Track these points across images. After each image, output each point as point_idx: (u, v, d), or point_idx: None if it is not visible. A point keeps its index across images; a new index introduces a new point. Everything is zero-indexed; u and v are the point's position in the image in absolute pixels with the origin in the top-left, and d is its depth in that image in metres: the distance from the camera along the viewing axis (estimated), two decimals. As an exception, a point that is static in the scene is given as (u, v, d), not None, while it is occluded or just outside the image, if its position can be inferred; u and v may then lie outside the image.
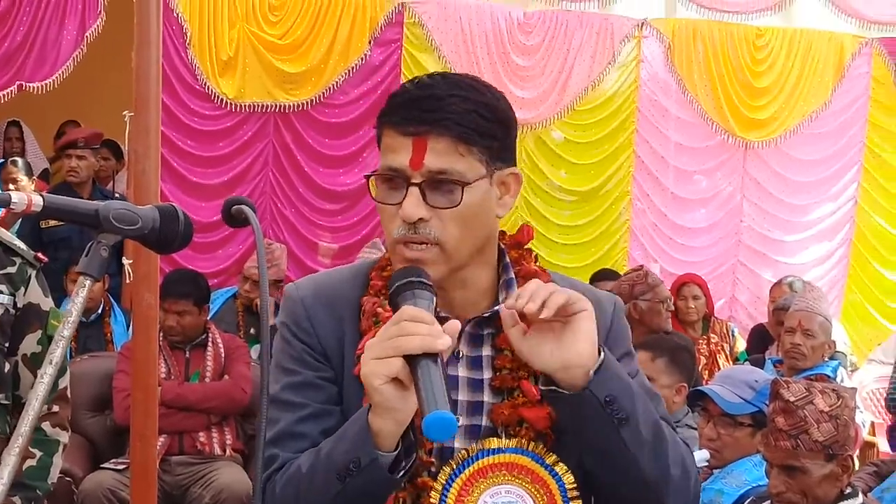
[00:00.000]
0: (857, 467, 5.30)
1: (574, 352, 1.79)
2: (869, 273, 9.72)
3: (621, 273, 7.60)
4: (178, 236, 1.85)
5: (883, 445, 7.21)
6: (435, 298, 1.79)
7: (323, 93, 8.41)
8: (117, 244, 1.84)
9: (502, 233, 2.04)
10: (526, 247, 2.06)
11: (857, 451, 6.30)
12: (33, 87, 7.67)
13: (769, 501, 3.39)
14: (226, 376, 6.17)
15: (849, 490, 3.31)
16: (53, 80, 7.70)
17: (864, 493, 3.86)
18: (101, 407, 6.17)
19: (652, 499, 1.91)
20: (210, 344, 6.21)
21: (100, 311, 6.99)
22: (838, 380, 6.50)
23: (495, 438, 1.89)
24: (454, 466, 1.87)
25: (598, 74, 8.96)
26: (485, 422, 1.93)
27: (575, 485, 1.87)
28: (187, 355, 6.17)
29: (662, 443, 1.89)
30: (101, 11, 7.70)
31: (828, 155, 9.55)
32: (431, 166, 1.84)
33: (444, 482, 1.87)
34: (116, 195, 7.97)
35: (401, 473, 1.76)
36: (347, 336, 1.95)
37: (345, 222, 8.57)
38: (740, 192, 9.47)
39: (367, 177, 1.94)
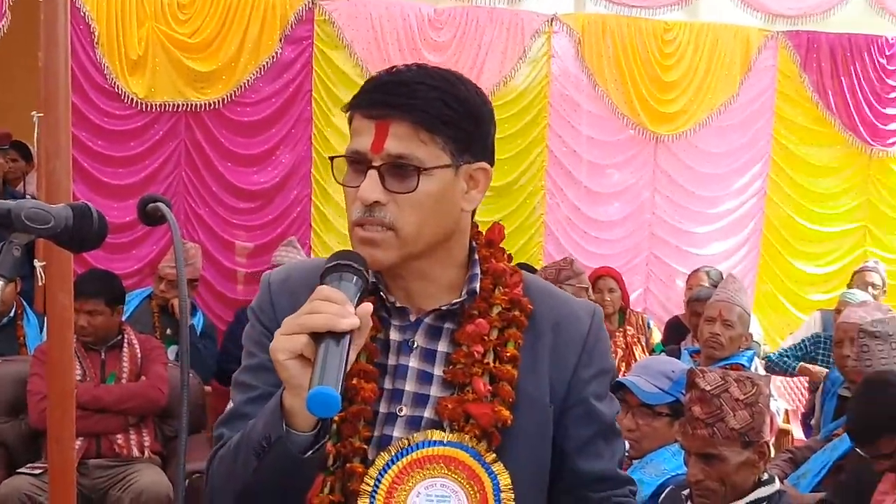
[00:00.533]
0: (772, 454, 5.39)
1: None
2: (779, 263, 9.86)
3: (537, 268, 7.65)
4: (92, 235, 1.83)
5: (797, 433, 7.34)
6: (363, 284, 1.78)
7: (234, 91, 8.36)
8: (29, 245, 1.82)
9: (479, 232, 2.04)
10: (499, 245, 2.05)
11: (773, 439, 6.39)
12: (-63, 89, 7.54)
13: (688, 490, 3.43)
14: (142, 377, 6.11)
15: (765, 477, 3.36)
16: (-41, 82, 7.57)
17: (781, 480, 3.93)
18: (15, 412, 6.07)
19: None
20: (126, 345, 6.14)
21: (12, 313, 6.87)
22: (752, 369, 6.61)
23: (434, 430, 1.89)
24: (392, 454, 1.86)
25: (509, 70, 8.99)
26: (428, 414, 1.92)
27: (510, 486, 1.86)
28: (103, 357, 6.10)
29: None
30: (5, 11, 7.59)
31: (736, 147, 9.67)
32: (391, 150, 1.84)
33: (380, 468, 1.86)
34: (27, 196, 7.85)
35: (309, 453, 1.74)
36: None
37: (259, 220, 8.52)
38: (652, 184, 9.55)
39: (332, 158, 1.94)
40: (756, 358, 6.90)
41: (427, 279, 1.94)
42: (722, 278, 8.02)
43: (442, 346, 1.95)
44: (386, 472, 1.86)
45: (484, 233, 2.04)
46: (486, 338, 1.93)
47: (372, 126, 1.85)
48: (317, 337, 1.68)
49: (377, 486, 1.85)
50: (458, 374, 1.91)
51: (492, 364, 1.92)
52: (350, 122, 1.92)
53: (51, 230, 1.77)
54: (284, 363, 1.69)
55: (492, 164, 1.97)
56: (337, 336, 1.67)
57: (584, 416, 2.00)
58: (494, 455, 1.87)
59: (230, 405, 1.99)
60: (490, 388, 1.90)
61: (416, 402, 1.93)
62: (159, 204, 1.87)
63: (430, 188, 1.86)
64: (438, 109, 1.85)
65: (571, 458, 2.00)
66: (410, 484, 1.86)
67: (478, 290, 1.95)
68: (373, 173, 1.84)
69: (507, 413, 1.89)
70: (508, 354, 1.93)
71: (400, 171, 1.85)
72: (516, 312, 1.96)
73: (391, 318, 1.97)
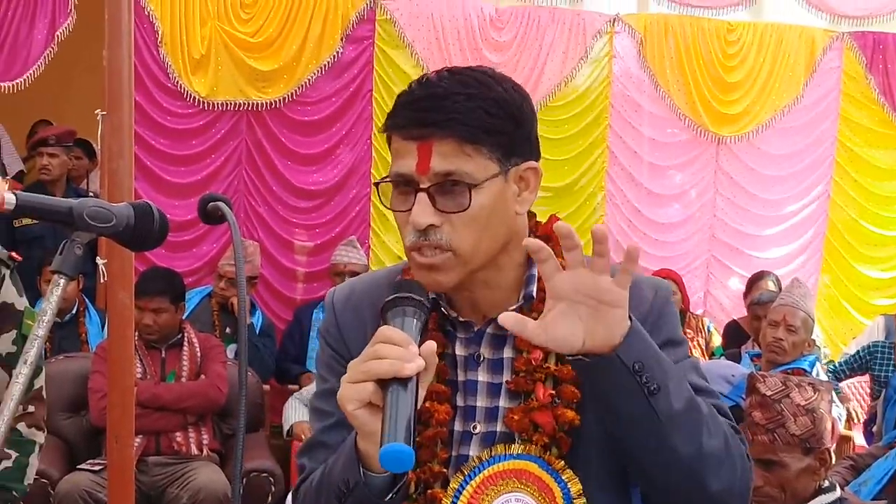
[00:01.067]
0: (834, 461, 5.33)
1: (604, 332, 1.68)
2: (842, 267, 9.75)
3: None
4: (154, 234, 1.82)
5: (859, 439, 7.26)
6: (425, 316, 1.74)
7: (295, 90, 8.39)
8: (91, 243, 1.82)
9: (538, 223, 1.98)
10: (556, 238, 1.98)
11: (834, 445, 6.33)
12: (4, 87, 7.62)
13: (747, 495, 3.39)
14: (202, 376, 6.15)
15: (826, 484, 3.32)
16: (25, 80, 7.66)
17: (842, 487, 3.88)
18: (76, 408, 6.15)
19: (692, 481, 1.79)
20: (186, 343, 6.19)
21: (74, 311, 6.95)
22: (814, 374, 6.55)
23: (502, 444, 1.85)
24: (465, 474, 1.84)
25: (570, 70, 8.95)
26: (500, 428, 1.88)
27: (581, 492, 1.83)
28: (163, 355, 6.15)
29: (699, 418, 1.77)
30: (71, 10, 7.69)
31: (800, 149, 9.57)
32: (438, 169, 1.78)
33: (455, 489, 1.84)
34: (90, 194, 7.92)
35: (390, 496, 1.71)
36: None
37: (319, 220, 8.54)
38: (713, 186, 9.48)
39: (376, 184, 1.88)
40: (818, 363, 6.85)
41: (490, 287, 1.89)
42: (780, 283, 7.96)
43: (507, 353, 1.91)
44: (461, 493, 1.84)
45: (540, 228, 1.98)
46: None
47: (414, 147, 1.79)
48: (383, 383, 1.64)
49: None
50: (521, 382, 1.87)
51: (552, 366, 1.88)
52: (389, 142, 1.86)
53: (112, 229, 1.77)
54: (354, 413, 1.66)
55: (538, 159, 1.91)
56: (404, 381, 1.63)
57: None
58: (563, 462, 1.84)
59: (311, 434, 1.98)
60: (552, 392, 1.86)
61: (488, 417, 1.89)
62: (220, 203, 1.86)
63: (483, 201, 1.80)
64: (480, 119, 1.79)
65: None
66: (486, 502, 1.84)
67: (534, 292, 1.89)
68: (422, 196, 1.79)
69: (571, 414, 1.85)
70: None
71: (450, 189, 1.79)
72: None
73: (456, 331, 1.93)
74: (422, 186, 1.79)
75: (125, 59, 3.47)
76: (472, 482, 1.84)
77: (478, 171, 1.80)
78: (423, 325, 1.73)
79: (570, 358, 1.72)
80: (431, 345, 1.69)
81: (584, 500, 1.83)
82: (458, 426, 1.90)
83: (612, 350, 1.68)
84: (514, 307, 1.87)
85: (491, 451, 1.85)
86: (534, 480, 1.83)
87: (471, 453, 1.87)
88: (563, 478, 1.84)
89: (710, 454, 1.78)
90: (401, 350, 1.64)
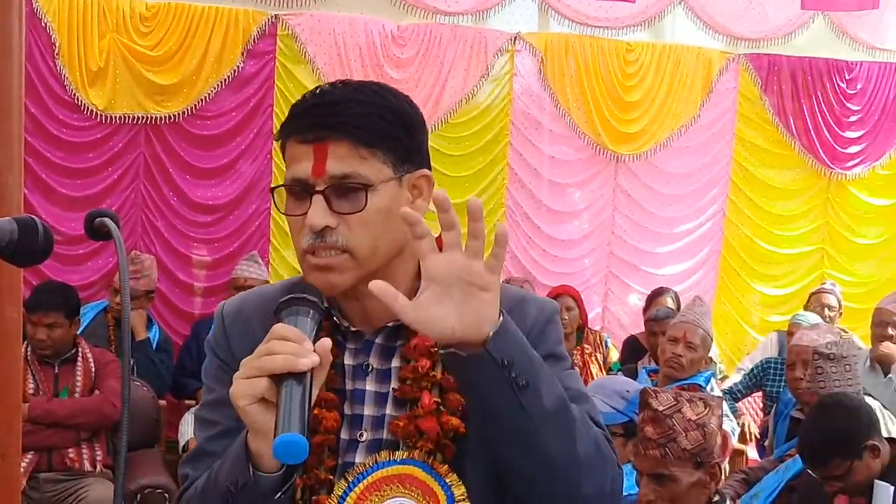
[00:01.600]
0: (726, 475, 5.41)
1: (473, 315, 1.67)
2: (737, 284, 9.91)
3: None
4: (38, 248, 1.80)
5: (752, 453, 7.37)
6: (320, 317, 1.75)
7: (195, 104, 8.33)
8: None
9: (437, 239, 1.99)
10: None
11: (727, 459, 6.41)
12: None
13: (639, 510, 3.43)
14: (96, 391, 6.07)
15: (716, 498, 3.37)
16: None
17: (734, 500, 3.94)
18: (-35, 425, 6.02)
19: (563, 482, 1.79)
20: (80, 359, 6.11)
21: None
22: (708, 390, 6.63)
23: (387, 451, 1.87)
24: (349, 480, 1.85)
25: (471, 87, 9.00)
26: (386, 435, 1.89)
27: (465, 495, 1.84)
28: (56, 370, 6.06)
29: (569, 419, 1.78)
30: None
31: (696, 168, 9.72)
32: (333, 171, 1.80)
33: (339, 496, 1.84)
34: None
35: (278, 495, 1.71)
36: None
37: (218, 234, 8.48)
38: (612, 204, 9.59)
39: (272, 189, 1.89)
40: (713, 379, 6.94)
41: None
42: (679, 300, 8.06)
43: (396, 363, 1.93)
44: (345, 499, 1.84)
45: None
46: (432, 349, 1.89)
47: (310, 150, 1.82)
48: (277, 378, 1.64)
49: None
50: (407, 390, 1.89)
51: (438, 374, 1.90)
52: (283, 150, 1.88)
53: (-6, 244, 1.75)
54: (246, 409, 1.65)
55: (430, 168, 1.95)
56: (298, 376, 1.63)
57: None
58: (447, 466, 1.86)
59: (195, 443, 1.95)
60: (437, 399, 1.88)
61: (375, 426, 1.91)
62: (105, 219, 1.84)
63: (378, 203, 1.83)
64: (374, 124, 1.83)
65: None
66: None
67: None
68: (318, 198, 1.81)
69: (456, 422, 1.87)
70: None
71: (346, 191, 1.82)
72: None
73: (346, 341, 1.94)
74: (317, 189, 1.81)
75: (15, 71, 3.40)
76: (357, 488, 1.84)
77: (373, 174, 1.83)
78: (317, 324, 1.74)
79: (443, 352, 1.72)
80: (327, 342, 1.69)
81: (468, 503, 1.84)
82: (344, 434, 1.90)
83: (483, 344, 1.68)
84: None
85: (376, 457, 1.86)
86: (418, 485, 1.85)
87: (357, 460, 1.88)
88: (447, 481, 1.85)
89: (582, 457, 1.79)
90: (295, 346, 1.65)
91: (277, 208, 1.88)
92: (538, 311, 1.98)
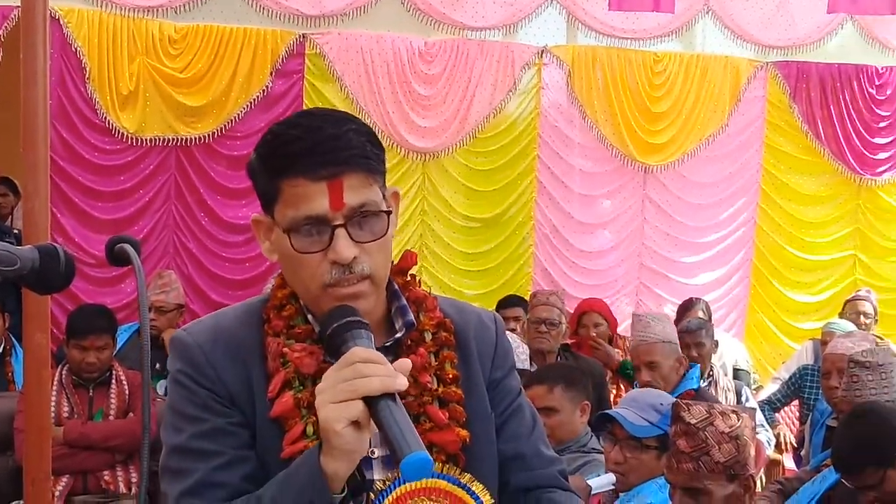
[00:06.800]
0: (761, 486, 5.37)
1: None
2: (770, 292, 9.87)
3: (527, 298, 7.63)
4: (59, 276, 1.81)
5: (788, 463, 7.31)
6: (372, 336, 1.79)
7: (225, 125, 8.38)
8: (16, 282, 1.81)
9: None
10: (410, 272, 2.06)
11: (762, 470, 6.37)
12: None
13: (673, 524, 3.41)
14: (130, 414, 6.08)
15: (751, 509, 3.35)
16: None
17: (767, 512, 3.91)
18: (2, 448, 6.04)
19: None
20: (114, 381, 6.11)
21: (0, 349, 6.84)
22: (742, 398, 6.60)
23: None
24: (372, 499, 1.85)
25: (499, 102, 9.01)
26: None
27: (492, 501, 1.90)
28: (91, 394, 6.06)
29: None
30: (-3, 45, 7.62)
31: (725, 177, 9.70)
32: (352, 203, 1.83)
33: None
34: (15, 231, 7.86)
35: None
36: (254, 379, 1.90)
37: (249, 254, 8.50)
38: (641, 215, 9.57)
39: (288, 232, 1.86)
40: (746, 387, 6.88)
41: (370, 314, 1.89)
42: (710, 310, 8.00)
43: None
44: None
45: (395, 261, 2.02)
46: (428, 365, 1.94)
47: (323, 187, 1.82)
48: (369, 400, 1.67)
49: None
50: (411, 405, 1.89)
51: (439, 389, 1.95)
52: (280, 190, 1.86)
53: (16, 272, 1.76)
54: (341, 432, 1.67)
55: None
56: (392, 396, 1.67)
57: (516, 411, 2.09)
58: (469, 475, 1.90)
59: (195, 475, 1.88)
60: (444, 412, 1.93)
61: (383, 441, 1.88)
62: (125, 245, 1.85)
63: (390, 227, 1.90)
64: (370, 150, 1.87)
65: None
66: None
67: (414, 321, 1.96)
68: (342, 232, 1.82)
69: (464, 433, 1.93)
70: (450, 376, 1.96)
71: (366, 220, 1.85)
72: (444, 334, 1.99)
73: None
74: (337, 223, 1.83)
75: (40, 98, 3.43)
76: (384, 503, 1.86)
77: (380, 199, 1.88)
78: (373, 343, 1.78)
79: None
80: (406, 362, 1.76)
81: None
82: None
83: None
84: (398, 335, 1.95)
85: (397, 472, 1.86)
86: (446, 496, 1.88)
87: (375, 476, 1.89)
88: (474, 489, 1.89)
89: None
90: (387, 367, 1.70)
91: (294, 248, 1.86)
92: (494, 324, 2.12)
